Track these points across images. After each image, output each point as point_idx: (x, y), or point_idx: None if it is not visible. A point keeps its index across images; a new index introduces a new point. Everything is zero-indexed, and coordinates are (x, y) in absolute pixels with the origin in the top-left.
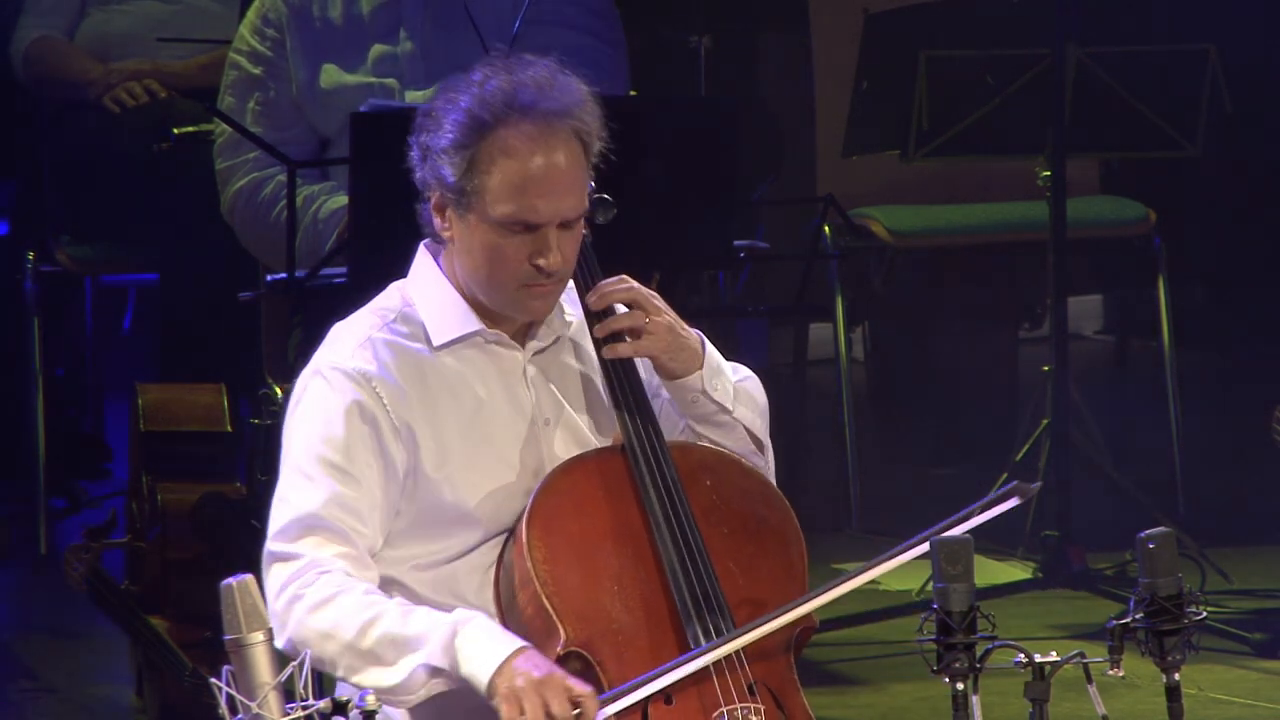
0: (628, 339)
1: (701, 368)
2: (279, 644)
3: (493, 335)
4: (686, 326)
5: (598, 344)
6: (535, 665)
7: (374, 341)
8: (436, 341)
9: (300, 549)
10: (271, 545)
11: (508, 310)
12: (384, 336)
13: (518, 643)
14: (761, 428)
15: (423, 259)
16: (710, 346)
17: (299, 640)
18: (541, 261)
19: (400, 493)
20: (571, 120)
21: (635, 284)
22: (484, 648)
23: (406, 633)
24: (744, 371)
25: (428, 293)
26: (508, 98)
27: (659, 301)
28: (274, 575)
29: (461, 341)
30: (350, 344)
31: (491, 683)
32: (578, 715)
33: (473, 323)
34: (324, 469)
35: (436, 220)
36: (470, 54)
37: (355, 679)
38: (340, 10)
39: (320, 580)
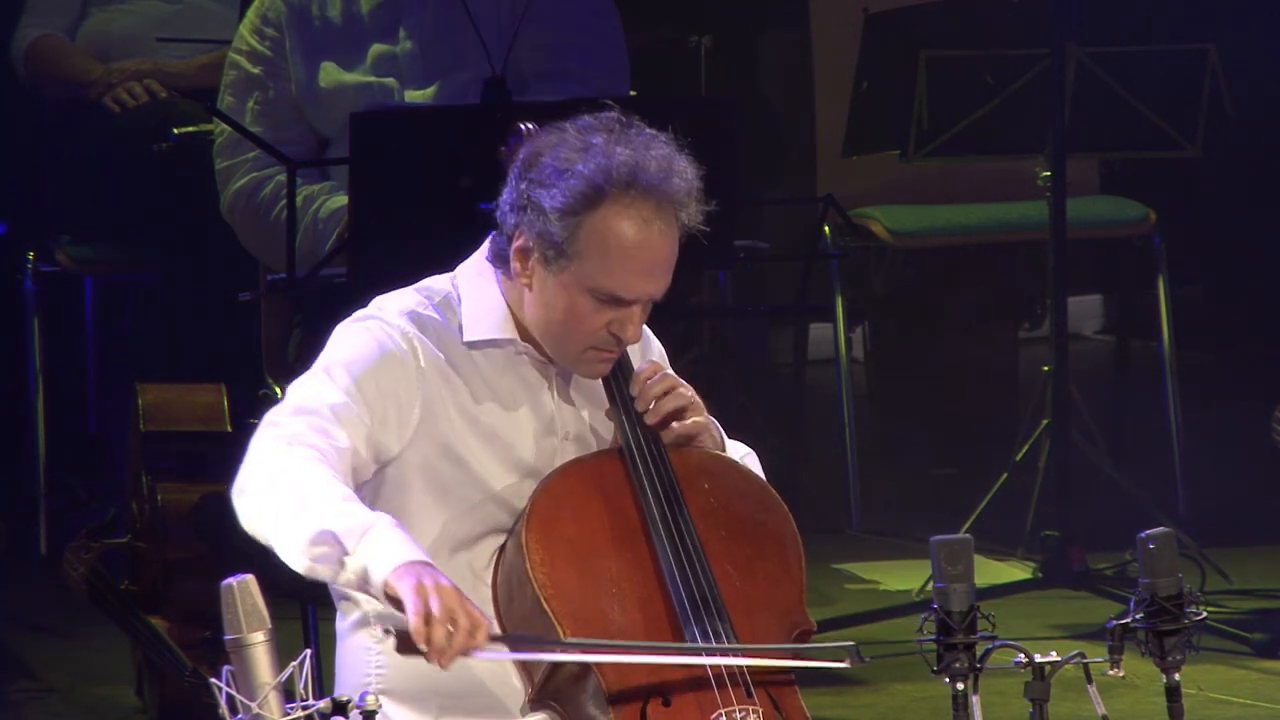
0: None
1: (724, 451)
2: (235, 485)
3: (523, 347)
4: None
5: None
6: (442, 576)
7: (418, 315)
8: (467, 337)
9: (299, 424)
10: (272, 415)
11: (565, 364)
12: (428, 314)
13: (427, 557)
14: None
15: (481, 258)
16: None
17: (255, 479)
18: (620, 333)
19: (394, 448)
20: (682, 208)
21: (671, 374)
22: (394, 544)
23: (338, 509)
24: (743, 449)
25: (475, 290)
26: (631, 173)
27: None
28: (265, 434)
29: (493, 345)
30: (395, 308)
31: (394, 572)
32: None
33: (508, 331)
34: (342, 382)
35: (516, 264)
36: (470, 54)
37: (269, 528)
38: (339, 9)
39: (308, 450)
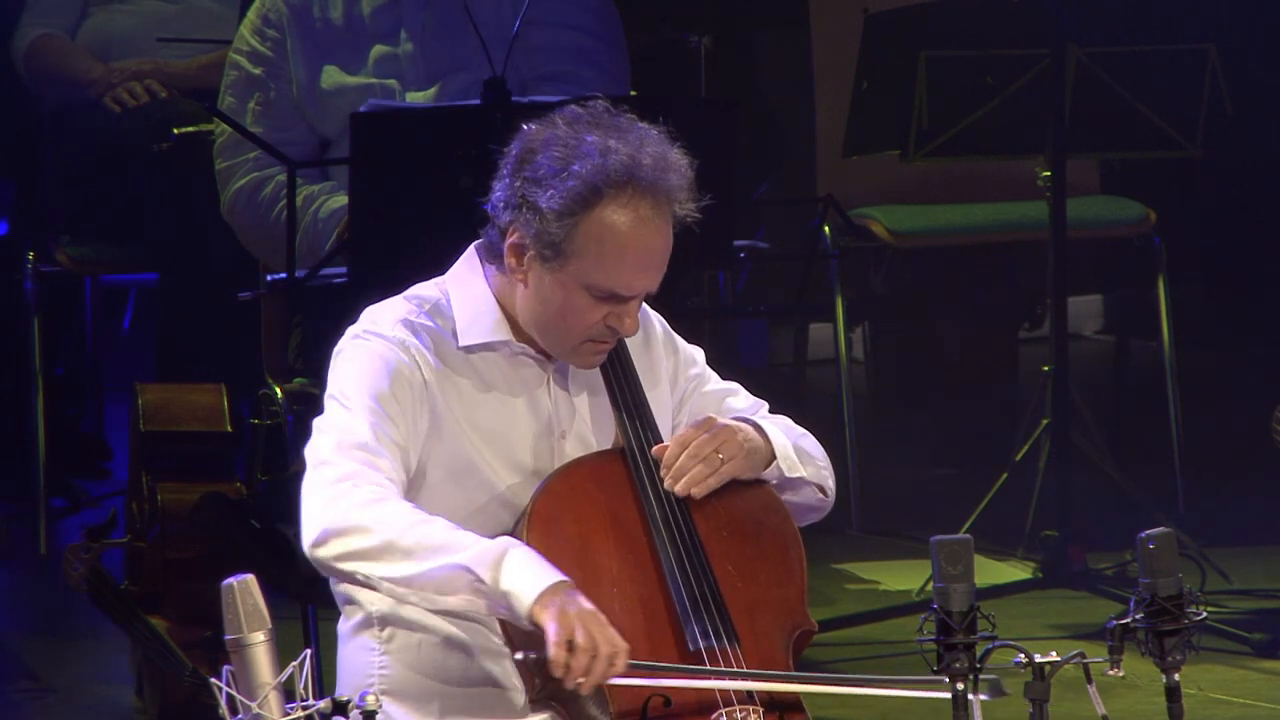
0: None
1: (775, 457)
2: (310, 536)
3: (519, 348)
4: (744, 426)
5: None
6: (584, 600)
7: (412, 323)
8: (463, 341)
9: (347, 460)
10: (317, 456)
11: (561, 357)
12: (421, 322)
13: (564, 576)
14: (827, 477)
15: (469, 260)
16: (766, 423)
17: (336, 527)
18: (617, 325)
19: (413, 463)
20: (676, 203)
21: (691, 437)
22: (533, 569)
23: (451, 540)
24: (789, 423)
25: (465, 293)
26: (628, 171)
27: (714, 427)
28: (319, 475)
29: (488, 348)
30: (389, 319)
31: (539, 600)
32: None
33: (503, 332)
34: (365, 406)
35: (510, 260)
36: (470, 54)
37: (381, 570)
38: (341, 11)
39: (371, 486)
